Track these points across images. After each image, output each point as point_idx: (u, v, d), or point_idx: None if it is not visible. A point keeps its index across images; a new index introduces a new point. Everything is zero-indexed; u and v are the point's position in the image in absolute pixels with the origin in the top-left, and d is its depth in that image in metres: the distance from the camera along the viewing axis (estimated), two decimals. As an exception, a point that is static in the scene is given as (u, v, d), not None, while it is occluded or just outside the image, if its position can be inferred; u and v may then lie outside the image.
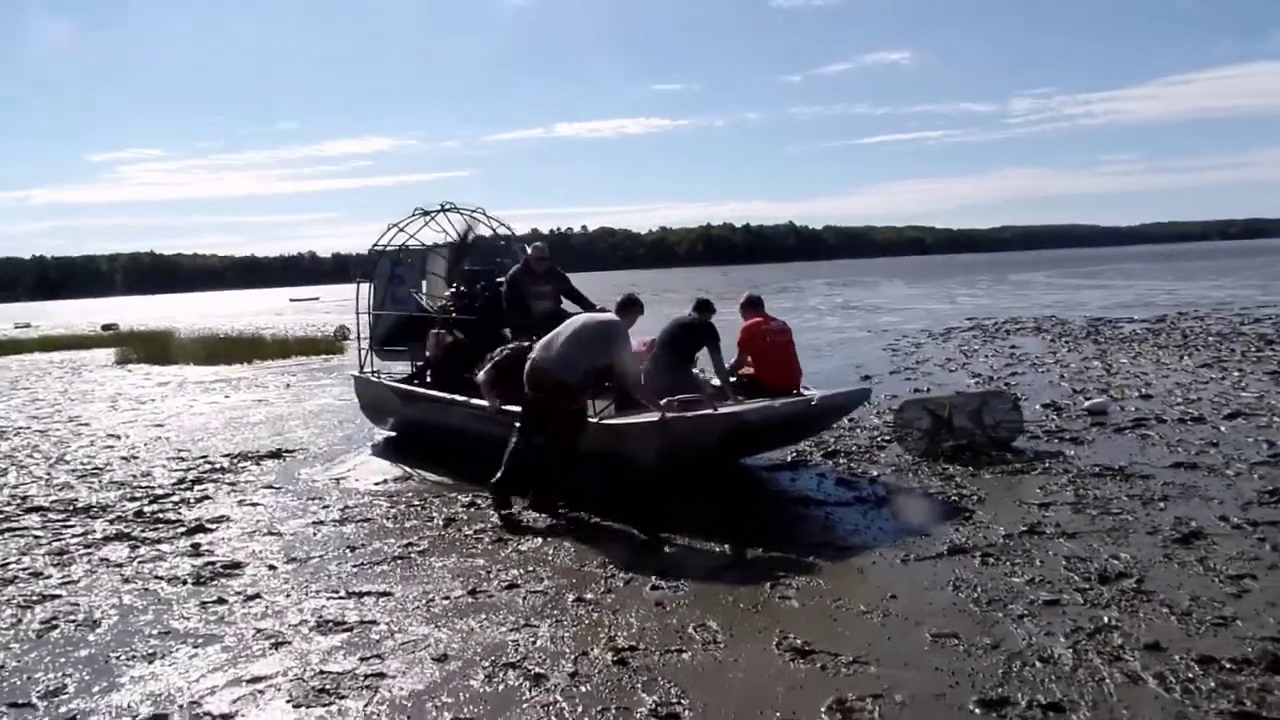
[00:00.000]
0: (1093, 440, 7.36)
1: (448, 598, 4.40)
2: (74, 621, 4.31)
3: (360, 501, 6.50)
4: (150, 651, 3.90)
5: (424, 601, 4.35)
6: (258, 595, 4.56)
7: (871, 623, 3.85)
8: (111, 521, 6.17)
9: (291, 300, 76.42)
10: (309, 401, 12.29)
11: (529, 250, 8.00)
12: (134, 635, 4.11)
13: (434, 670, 3.57)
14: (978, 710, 3.03)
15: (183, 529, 5.91)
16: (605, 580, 4.57)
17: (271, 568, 5.03)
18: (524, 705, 3.23)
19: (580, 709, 3.16)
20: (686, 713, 3.11)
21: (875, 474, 6.62)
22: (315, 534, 5.72)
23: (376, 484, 7.06)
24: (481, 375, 6.79)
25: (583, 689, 3.33)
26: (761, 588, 4.35)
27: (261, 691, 3.43)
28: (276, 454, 8.40)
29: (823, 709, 3.08)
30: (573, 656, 3.62)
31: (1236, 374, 10.65)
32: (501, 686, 3.40)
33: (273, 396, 13.06)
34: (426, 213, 8.80)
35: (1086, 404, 8.80)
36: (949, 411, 7.27)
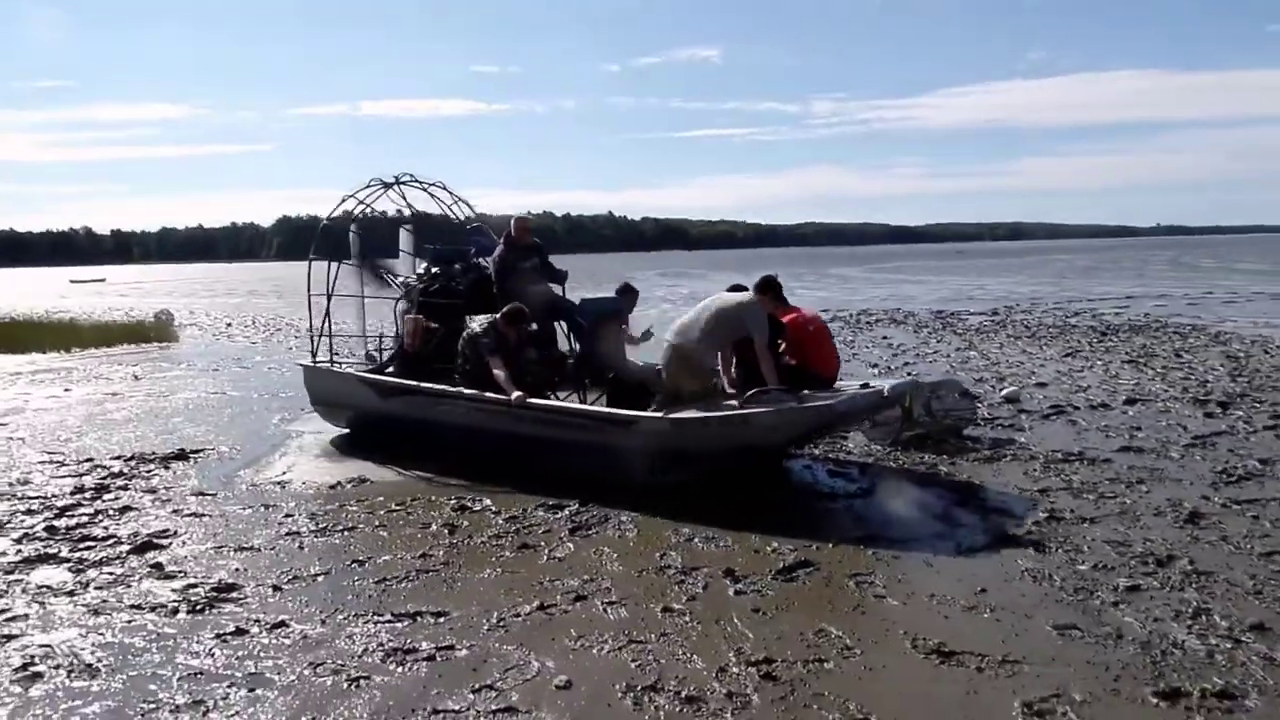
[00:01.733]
0: (1029, 428, 7.83)
1: (518, 615, 3.97)
2: (61, 668, 3.51)
3: (327, 508, 5.80)
4: (195, 700, 3.24)
5: (495, 621, 3.90)
6: (282, 623, 3.92)
7: (984, 618, 3.84)
8: (19, 540, 5.13)
9: (73, 282, 68.20)
10: (176, 395, 10.90)
11: (511, 222, 7.47)
12: (155, 681, 3.40)
13: (572, 702, 3.19)
14: (1158, 703, 3.08)
15: (125, 546, 5.01)
16: (676, 585, 4.30)
17: (275, 588, 4.36)
18: (705, 733, 2.93)
19: (771, 733, 2.92)
20: (885, 728, 2.94)
21: (863, 464, 6.70)
22: (300, 547, 5.02)
23: (332, 486, 6.34)
24: (498, 368, 6.29)
25: (753, 710, 3.08)
26: (845, 586, 4.25)
27: (384, 742, 2.92)
28: (181, 455, 7.35)
29: (1014, 714, 3.01)
30: (711, 673, 3.35)
31: (1100, 363, 11.75)
32: (661, 714, 3.08)
33: (125, 389, 11.49)
34: (386, 184, 7.93)
35: (1003, 392, 9.38)
36: (909, 401, 7.48)
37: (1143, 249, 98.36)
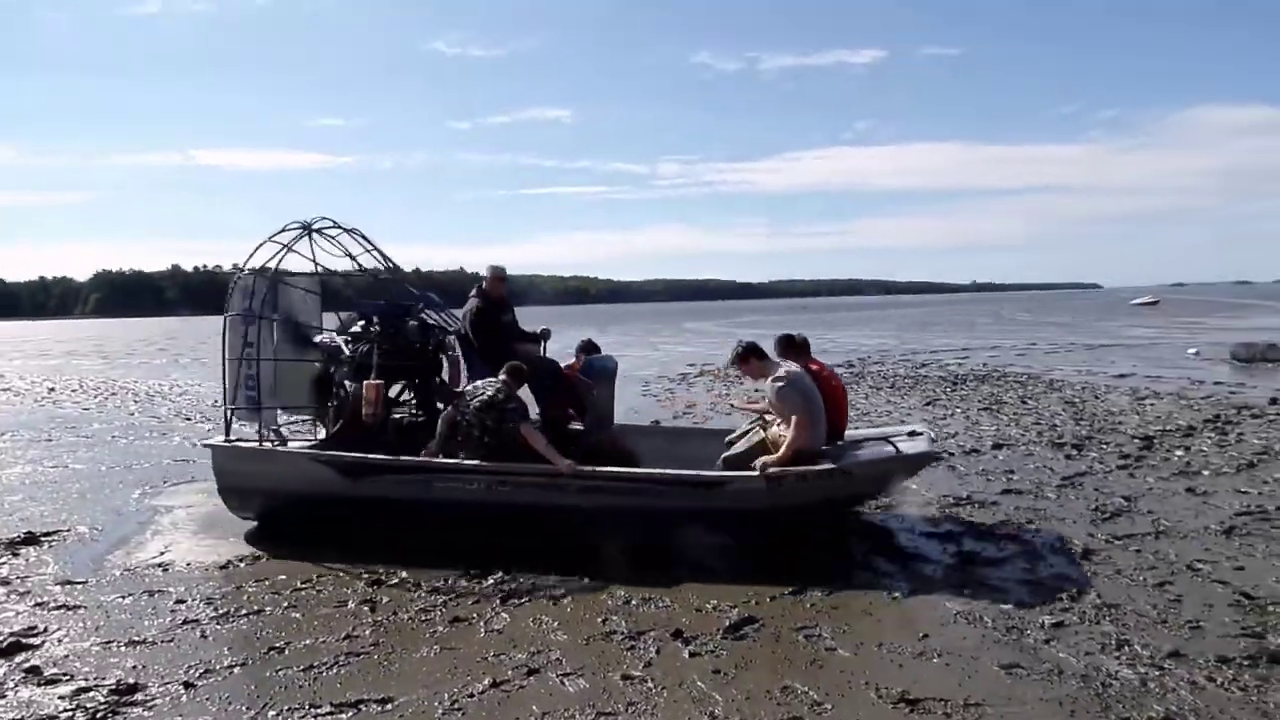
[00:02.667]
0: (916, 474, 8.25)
1: (471, 695, 3.76)
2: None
3: (224, 590, 5.30)
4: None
5: (448, 704, 3.67)
6: (209, 726, 3.53)
7: (935, 663, 3.97)
8: None
9: None
10: (6, 470, 9.73)
11: (487, 273, 7.16)
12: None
13: (558, 784, 3.02)
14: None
15: (-13, 649, 4.37)
16: (628, 650, 4.20)
17: (187, 685, 3.92)
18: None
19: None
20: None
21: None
22: (203, 636, 4.55)
23: (223, 566, 5.80)
24: (536, 434, 5.94)
25: (745, 776, 3.03)
26: (796, 640, 4.29)
27: None
28: (31, 539, 6.52)
29: (992, 755, 3.11)
30: (692, 741, 3.28)
31: (959, 410, 12.60)
32: (654, 789, 2.98)
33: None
34: (308, 228, 6.85)
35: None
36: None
37: (966, 304, 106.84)
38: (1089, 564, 5.34)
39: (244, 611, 4.89)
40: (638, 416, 12.90)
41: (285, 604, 5.02)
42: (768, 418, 6.28)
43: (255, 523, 6.67)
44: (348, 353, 6.85)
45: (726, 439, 6.60)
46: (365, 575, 5.46)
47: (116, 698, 3.80)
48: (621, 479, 5.87)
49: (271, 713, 3.63)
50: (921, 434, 6.47)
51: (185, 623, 4.74)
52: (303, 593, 5.22)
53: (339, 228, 7.09)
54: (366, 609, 4.89)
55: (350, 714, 3.61)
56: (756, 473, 5.61)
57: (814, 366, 6.31)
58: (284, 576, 5.51)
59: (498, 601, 4.94)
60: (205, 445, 7.01)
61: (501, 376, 6.19)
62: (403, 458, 6.19)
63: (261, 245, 6.84)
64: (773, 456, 5.66)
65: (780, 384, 5.86)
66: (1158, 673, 3.76)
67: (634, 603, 4.84)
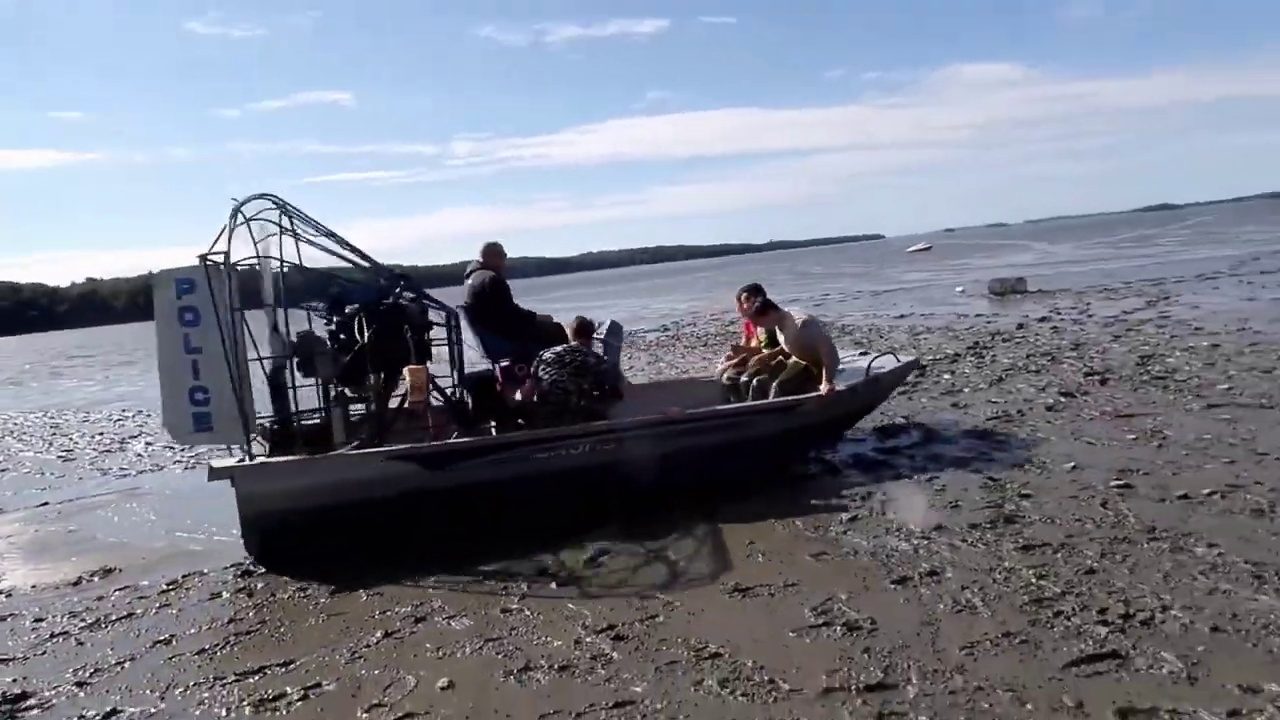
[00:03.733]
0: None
1: (368, 644, 4.18)
2: None
3: (85, 603, 5.27)
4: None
5: (349, 654, 4.08)
6: (114, 711, 3.74)
7: (760, 561, 4.81)
8: None
9: None
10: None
11: (488, 248, 7.42)
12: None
13: (462, 696, 3.56)
14: (895, 587, 4.20)
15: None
16: (502, 589, 4.74)
17: (80, 684, 4.06)
18: None
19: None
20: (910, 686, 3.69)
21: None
22: (79, 644, 4.62)
23: (74, 582, 5.70)
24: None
25: (616, 664, 3.69)
26: (645, 560, 5.00)
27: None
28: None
29: (807, 615, 3.96)
30: (570, 646, 3.90)
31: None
32: (543, 684, 3.57)
33: None
34: (278, 203, 5.91)
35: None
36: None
37: (764, 262, 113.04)
38: (875, 472, 6.43)
39: (114, 617, 4.98)
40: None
41: (158, 604, 5.15)
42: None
43: (269, 553, 5.63)
44: (329, 343, 6.13)
45: (724, 378, 7.56)
46: (230, 566, 5.64)
47: (10, 706, 3.91)
48: (720, 415, 6.48)
49: (178, 691, 3.89)
50: (890, 353, 7.93)
51: (54, 636, 4.78)
52: (171, 592, 5.34)
53: (280, 208, 6.06)
54: (244, 595, 5.12)
55: (256, 678, 3.93)
56: (819, 393, 6.55)
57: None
58: (146, 582, 5.58)
59: (371, 571, 5.31)
60: (220, 468, 5.52)
61: (573, 341, 6.42)
62: (498, 434, 6.24)
63: (229, 228, 5.69)
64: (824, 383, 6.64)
65: (809, 324, 7.13)
66: (926, 542, 4.78)
67: (499, 554, 5.37)
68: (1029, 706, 3.04)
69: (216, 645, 4.38)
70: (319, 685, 3.78)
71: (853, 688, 3.28)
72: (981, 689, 3.19)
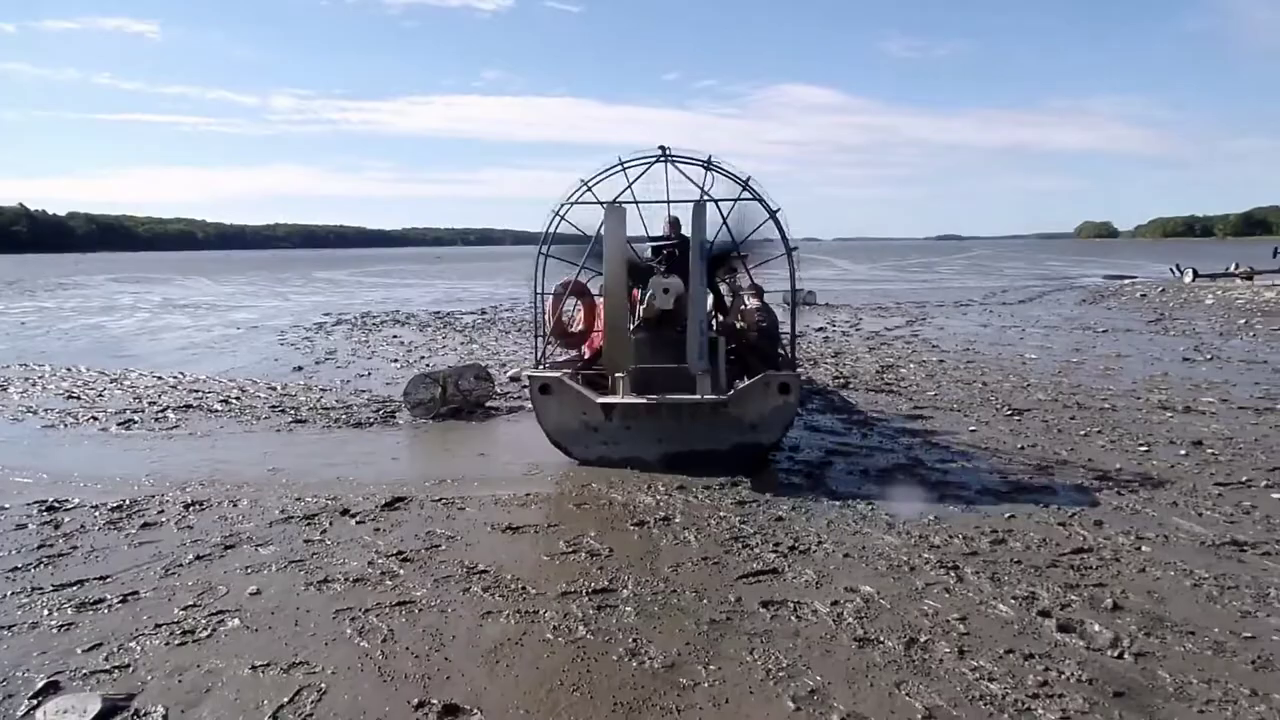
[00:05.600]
0: (520, 396, 10.15)
1: (180, 564, 4.80)
2: None
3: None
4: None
5: (162, 570, 4.69)
6: None
7: (533, 509, 5.80)
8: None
9: None
10: None
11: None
12: None
13: (268, 600, 4.30)
14: (633, 529, 5.33)
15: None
16: (304, 525, 5.46)
17: None
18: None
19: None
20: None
21: (404, 421, 8.31)
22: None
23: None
24: None
25: (401, 578, 4.56)
26: (435, 507, 5.87)
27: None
28: None
29: (568, 551, 5.00)
30: (365, 564, 4.73)
31: (572, 348, 14.98)
32: (339, 589, 4.39)
33: None
34: (664, 152, 7.13)
35: (509, 374, 11.72)
36: (445, 381, 9.30)
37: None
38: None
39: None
40: (277, 365, 13.49)
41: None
42: None
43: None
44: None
45: None
46: (36, 504, 5.97)
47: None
48: None
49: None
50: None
51: None
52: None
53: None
54: (49, 528, 5.51)
55: (75, 589, 4.47)
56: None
57: None
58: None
59: (180, 507, 5.85)
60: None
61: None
62: None
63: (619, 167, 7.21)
64: None
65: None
66: (668, 497, 5.96)
67: (309, 496, 6.06)
68: (705, 601, 4.22)
69: (27, 567, 4.82)
70: (136, 593, 4.39)
71: (583, 591, 4.34)
72: (676, 591, 4.34)
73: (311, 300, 31.12)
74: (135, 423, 8.87)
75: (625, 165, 7.20)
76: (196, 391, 10.73)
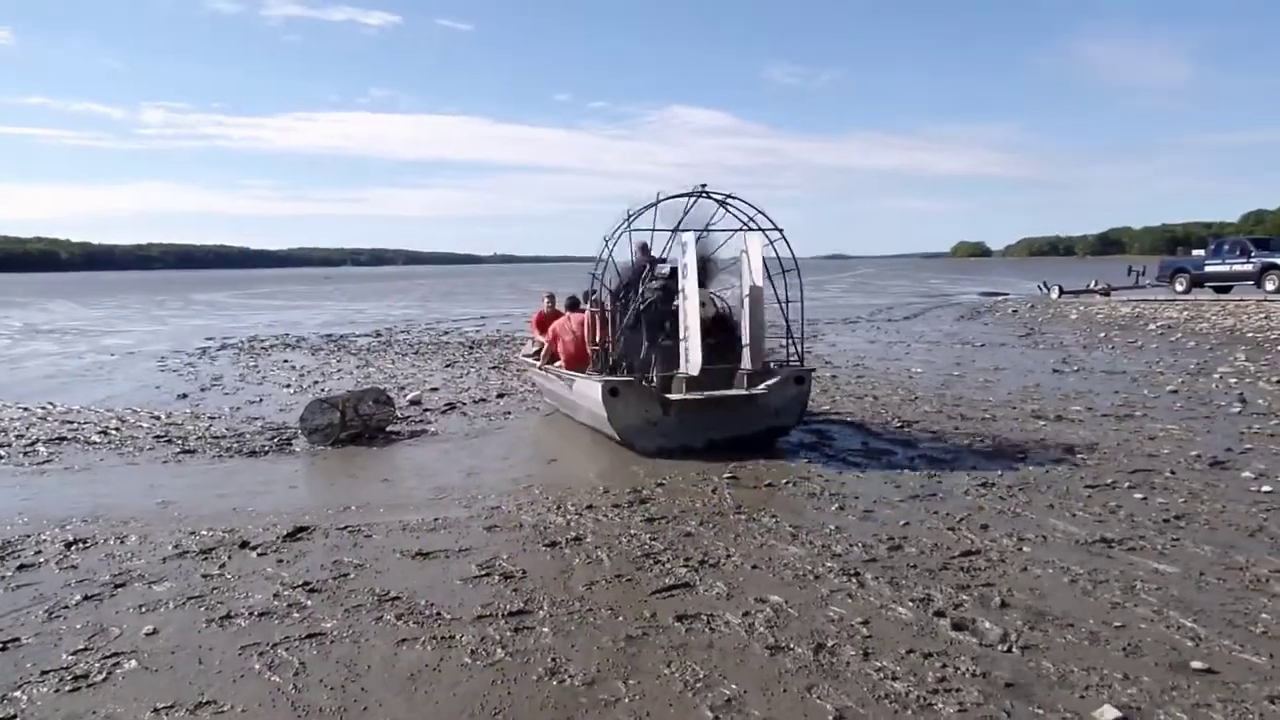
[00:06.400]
0: (434, 421, 10.10)
1: (67, 606, 4.54)
2: None
3: None
4: None
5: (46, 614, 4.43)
6: None
7: (441, 534, 5.75)
8: None
9: None
10: None
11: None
12: None
13: (163, 641, 4.13)
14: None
15: None
16: (200, 560, 5.25)
17: None
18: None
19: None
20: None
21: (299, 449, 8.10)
22: None
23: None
24: None
25: (310, 609, 4.46)
26: (340, 534, 5.73)
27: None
28: None
29: (476, 574, 4.98)
30: (271, 598, 4.59)
31: (473, 370, 14.88)
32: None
33: None
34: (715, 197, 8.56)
35: (408, 397, 11.52)
36: (343, 406, 9.08)
37: (488, 274, 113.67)
38: (545, 464, 7.63)
39: None
40: (159, 393, 12.88)
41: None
42: None
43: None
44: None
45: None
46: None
47: None
48: None
49: None
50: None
51: None
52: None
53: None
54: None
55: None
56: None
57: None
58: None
59: (60, 545, 5.52)
60: None
61: None
62: None
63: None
64: None
65: None
66: (578, 517, 6.01)
67: (202, 530, 5.81)
68: (620, 618, 4.29)
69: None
70: (17, 640, 4.13)
71: (499, 614, 4.34)
72: (591, 609, 4.39)
73: (192, 324, 29.70)
74: (1, 458, 8.30)
75: (661, 200, 8.39)
76: (70, 423, 10.10)
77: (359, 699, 3.52)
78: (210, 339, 22.53)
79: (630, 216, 8.36)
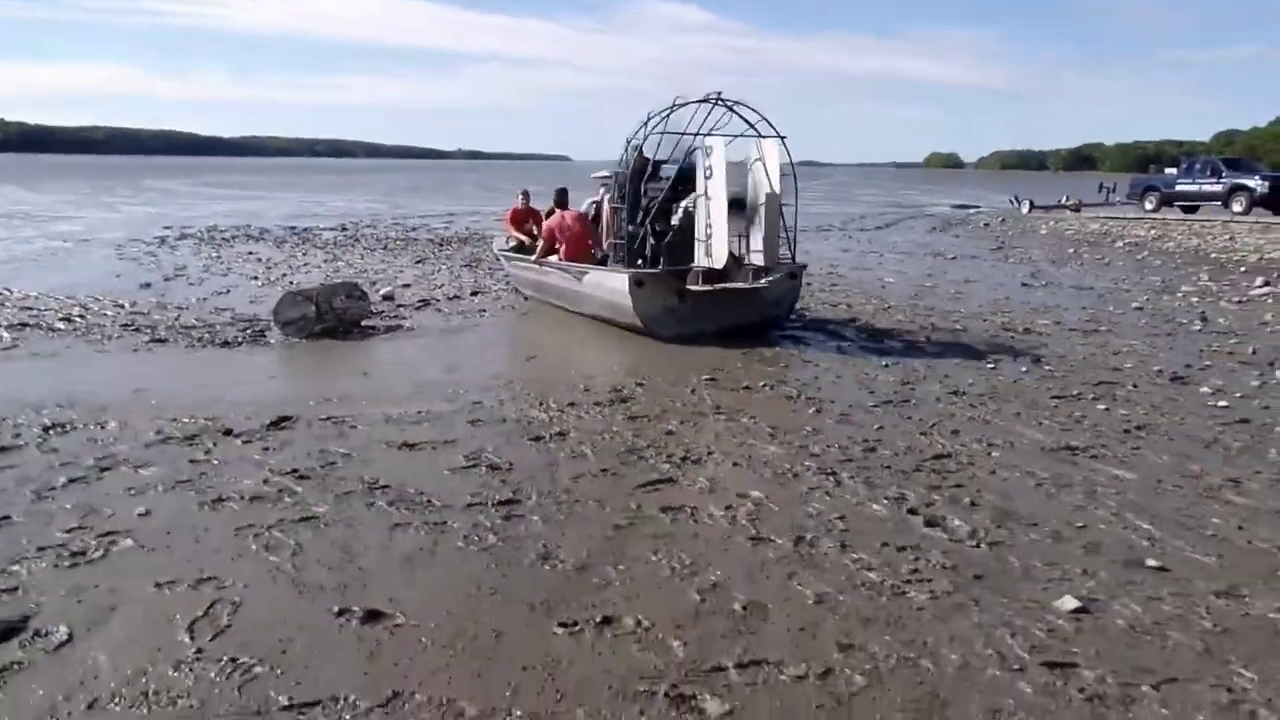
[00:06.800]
0: (410, 316, 10.04)
1: (53, 488, 4.56)
2: None
3: None
4: None
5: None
6: None
7: (425, 426, 5.80)
8: None
9: None
10: None
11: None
12: None
13: (160, 519, 4.18)
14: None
15: None
16: (186, 445, 5.27)
17: None
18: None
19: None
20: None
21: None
22: None
23: None
24: None
25: (301, 498, 4.53)
26: (324, 427, 5.77)
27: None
28: None
29: (459, 463, 5.07)
30: (261, 482, 4.65)
31: (444, 267, 14.71)
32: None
33: None
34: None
35: (380, 292, 11.38)
36: (318, 300, 8.97)
37: (454, 170, 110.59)
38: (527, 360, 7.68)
39: None
40: (120, 282, 12.61)
41: None
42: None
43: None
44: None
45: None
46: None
47: None
48: None
49: None
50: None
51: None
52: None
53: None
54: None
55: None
56: None
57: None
58: None
59: (38, 430, 5.49)
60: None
61: None
62: None
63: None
64: None
65: None
66: (560, 413, 6.10)
67: (183, 418, 5.80)
68: (607, 509, 4.42)
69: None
70: (8, 518, 4.15)
71: (489, 502, 4.45)
72: (579, 500, 4.52)
73: (146, 211, 28.76)
74: (-36, 342, 8.12)
75: (677, 106, 8.94)
76: (30, 309, 9.85)
77: (358, 577, 3.62)
78: (168, 228, 21.86)
79: (649, 119, 8.93)
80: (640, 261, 8.93)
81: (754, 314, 8.91)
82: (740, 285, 8.73)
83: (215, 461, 5.02)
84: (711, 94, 8.89)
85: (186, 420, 5.77)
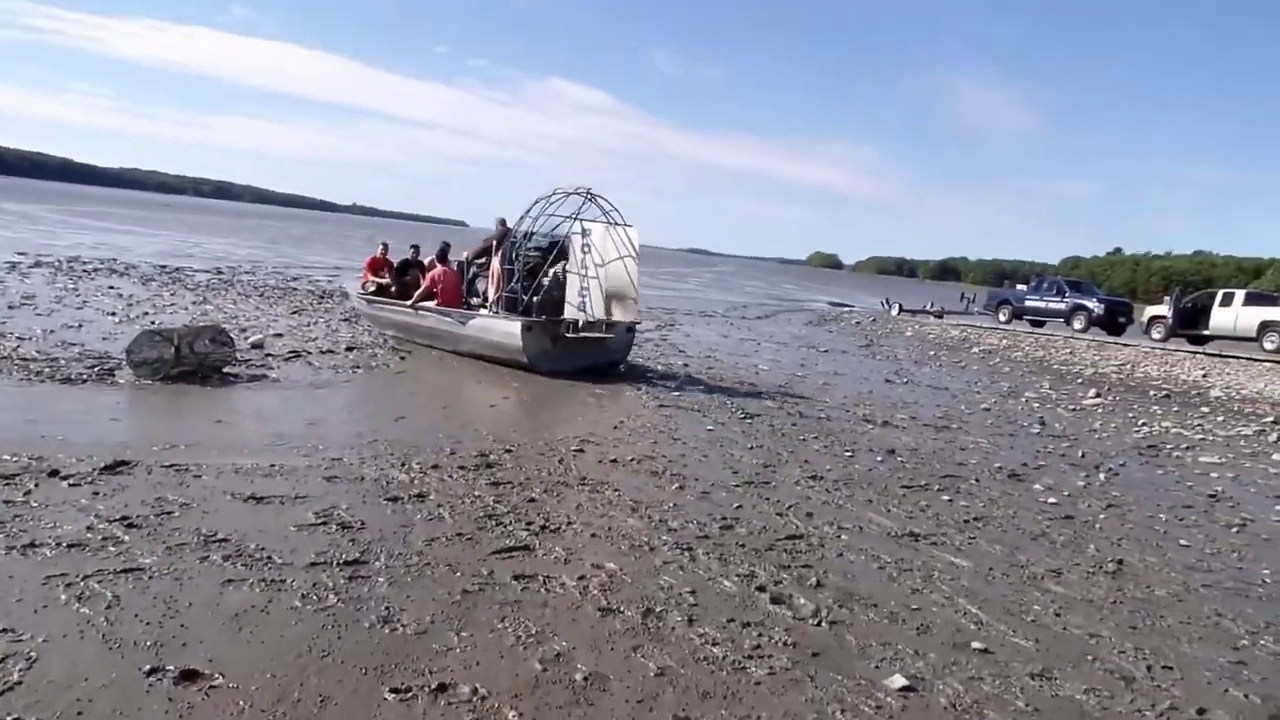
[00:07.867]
0: (277, 367, 9.67)
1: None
2: None
3: None
4: None
5: None
6: None
7: (277, 480, 5.56)
8: None
9: None
10: None
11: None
12: None
13: None
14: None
15: None
16: (3, 486, 4.86)
17: None
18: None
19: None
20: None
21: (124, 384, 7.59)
22: None
23: None
24: None
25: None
26: (166, 472, 5.45)
27: None
28: None
29: (308, 522, 4.87)
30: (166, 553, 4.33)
31: (322, 320, 14.31)
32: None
33: None
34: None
35: (249, 340, 10.94)
36: (179, 341, 8.55)
37: (344, 225, 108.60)
38: (393, 420, 7.52)
39: None
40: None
41: None
42: None
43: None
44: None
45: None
46: None
47: None
48: None
49: None
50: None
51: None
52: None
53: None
54: None
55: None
56: None
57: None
58: None
59: None
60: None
61: None
62: None
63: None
64: None
65: None
66: (423, 475, 5.97)
67: (4, 455, 5.36)
68: (458, 574, 4.33)
69: None
70: None
71: (334, 561, 4.29)
72: (429, 564, 4.41)
73: (0, 235, 26.84)
74: None
75: (557, 194, 11.70)
76: None
77: (178, 635, 3.40)
78: (22, 254, 20.46)
79: (541, 201, 11.63)
80: (522, 312, 11.19)
81: (603, 357, 11.61)
82: (595, 335, 11.21)
83: (34, 504, 4.65)
84: (582, 188, 11.60)
85: (6, 458, 5.34)
